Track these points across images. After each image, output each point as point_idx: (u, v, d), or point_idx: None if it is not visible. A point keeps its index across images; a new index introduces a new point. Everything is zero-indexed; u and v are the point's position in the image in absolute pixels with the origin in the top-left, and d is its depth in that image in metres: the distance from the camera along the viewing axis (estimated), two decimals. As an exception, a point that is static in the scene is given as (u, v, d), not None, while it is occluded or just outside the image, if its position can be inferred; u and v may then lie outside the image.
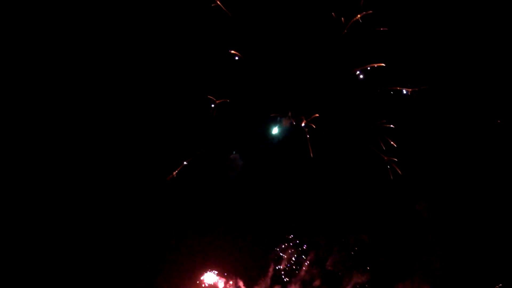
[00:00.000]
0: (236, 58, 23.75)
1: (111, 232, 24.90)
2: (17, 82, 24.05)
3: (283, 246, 25.67)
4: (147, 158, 25.36)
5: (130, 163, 25.21)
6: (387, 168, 23.09)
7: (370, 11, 21.99)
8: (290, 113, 24.44)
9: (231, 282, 25.11)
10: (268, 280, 25.26)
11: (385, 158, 23.48)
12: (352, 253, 24.34)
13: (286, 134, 24.79)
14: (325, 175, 24.84)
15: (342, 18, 22.61)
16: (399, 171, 22.70)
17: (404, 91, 22.83)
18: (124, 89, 24.95)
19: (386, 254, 24.03)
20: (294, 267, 25.16)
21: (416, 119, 23.69)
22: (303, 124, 23.65)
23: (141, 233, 25.41)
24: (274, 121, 24.69)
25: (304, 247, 25.37)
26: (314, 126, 23.35)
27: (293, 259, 25.32)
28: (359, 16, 22.13)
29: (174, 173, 24.97)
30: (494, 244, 22.89)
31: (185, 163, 24.96)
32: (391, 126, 22.82)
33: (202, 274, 25.24)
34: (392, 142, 22.86)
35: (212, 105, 24.30)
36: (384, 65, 22.29)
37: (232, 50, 23.64)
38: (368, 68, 22.66)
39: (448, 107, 23.53)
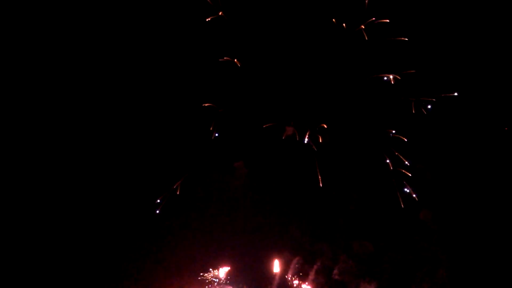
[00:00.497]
0: (238, 66, 23.45)
1: (115, 234, 25.25)
2: (17, 86, 24.12)
3: (288, 255, 25.68)
4: (153, 165, 25.46)
5: (137, 171, 25.44)
6: (393, 182, 23.01)
7: (387, 20, 21.55)
8: (292, 122, 24.19)
9: (236, 293, 25.41)
10: (275, 289, 25.51)
11: (391, 167, 23.37)
12: (358, 261, 24.34)
13: (290, 143, 24.61)
14: (330, 183, 24.67)
15: (344, 24, 22.19)
16: (413, 194, 22.64)
17: (413, 101, 22.57)
18: (128, 95, 25.16)
19: (391, 262, 24.06)
20: (300, 276, 25.24)
21: (420, 128, 23.49)
22: (306, 137, 23.37)
23: (143, 235, 25.76)
24: (277, 130, 24.51)
25: (310, 256, 25.34)
26: (320, 140, 23.15)
27: (299, 268, 25.37)
28: (362, 26, 21.65)
29: (178, 183, 24.97)
30: (498, 253, 22.93)
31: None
32: (404, 139, 22.62)
33: (206, 281, 25.51)
34: (400, 156, 22.68)
35: (215, 113, 24.21)
36: (397, 77, 21.85)
37: (235, 58, 23.32)
38: (394, 77, 22.23)
39: (455, 118, 23.32)
